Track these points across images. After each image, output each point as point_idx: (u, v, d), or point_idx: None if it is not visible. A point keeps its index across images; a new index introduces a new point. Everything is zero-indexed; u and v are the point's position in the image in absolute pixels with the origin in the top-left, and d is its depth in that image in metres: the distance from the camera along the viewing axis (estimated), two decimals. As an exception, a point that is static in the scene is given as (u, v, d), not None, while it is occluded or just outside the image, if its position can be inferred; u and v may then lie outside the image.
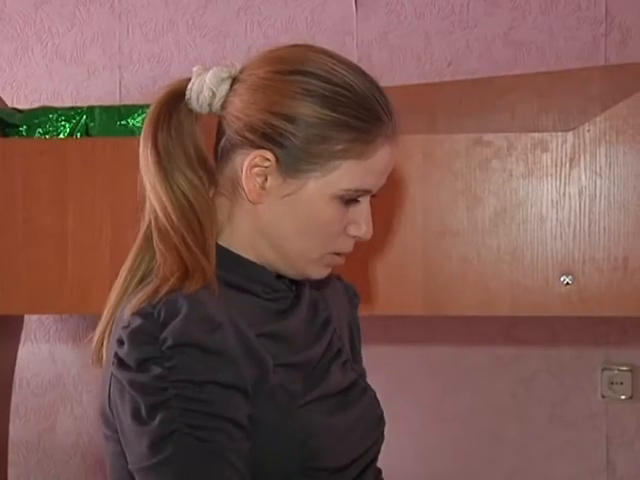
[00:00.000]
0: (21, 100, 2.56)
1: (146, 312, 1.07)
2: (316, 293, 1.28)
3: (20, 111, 2.08)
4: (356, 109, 1.12)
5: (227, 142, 1.17)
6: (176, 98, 1.17)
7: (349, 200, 1.15)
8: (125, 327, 1.08)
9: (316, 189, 1.13)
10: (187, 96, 1.17)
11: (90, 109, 2.02)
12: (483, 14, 2.44)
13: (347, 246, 1.19)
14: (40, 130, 2.00)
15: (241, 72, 1.17)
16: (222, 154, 1.18)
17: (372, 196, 1.19)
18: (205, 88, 1.16)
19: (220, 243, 1.17)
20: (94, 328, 1.16)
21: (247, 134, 1.13)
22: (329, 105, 1.11)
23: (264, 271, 1.19)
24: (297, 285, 1.24)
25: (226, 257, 1.16)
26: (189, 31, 2.54)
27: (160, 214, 1.14)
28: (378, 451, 1.27)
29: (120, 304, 1.16)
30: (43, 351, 2.64)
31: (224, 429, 1.05)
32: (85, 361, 2.60)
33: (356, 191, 1.14)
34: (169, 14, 2.56)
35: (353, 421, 1.20)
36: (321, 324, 1.25)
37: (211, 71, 1.17)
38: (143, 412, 1.05)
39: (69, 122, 2.00)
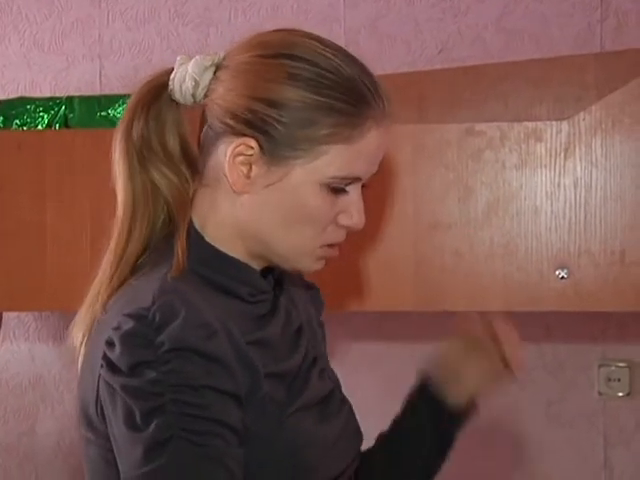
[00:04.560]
0: (-3, 90, 2.55)
1: (140, 314, 1.05)
2: (286, 298, 1.25)
3: (-4, 102, 2.06)
4: (342, 92, 1.10)
5: (210, 131, 1.14)
6: (157, 89, 1.16)
7: (338, 189, 1.12)
8: (116, 328, 1.05)
9: (302, 177, 1.10)
10: (170, 86, 1.15)
11: (69, 99, 2.00)
12: (474, 0, 2.42)
13: (338, 236, 1.16)
14: (17, 121, 1.98)
15: (224, 59, 1.15)
16: (205, 144, 1.16)
17: (362, 186, 1.16)
18: (187, 77, 1.14)
19: (207, 240, 1.15)
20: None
21: (229, 121, 1.11)
22: (313, 88, 1.09)
23: (251, 270, 1.16)
24: (278, 285, 1.22)
25: (211, 256, 1.14)
26: (171, 19, 2.53)
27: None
28: (355, 467, 1.26)
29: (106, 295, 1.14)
30: (22, 350, 2.61)
31: (221, 434, 1.03)
32: (66, 360, 2.57)
33: (344, 179, 1.11)
34: (151, 1, 2.54)
35: (337, 433, 1.19)
36: (295, 331, 1.22)
37: (194, 59, 1.15)
38: (137, 418, 1.02)
39: (47, 113, 1.98)
